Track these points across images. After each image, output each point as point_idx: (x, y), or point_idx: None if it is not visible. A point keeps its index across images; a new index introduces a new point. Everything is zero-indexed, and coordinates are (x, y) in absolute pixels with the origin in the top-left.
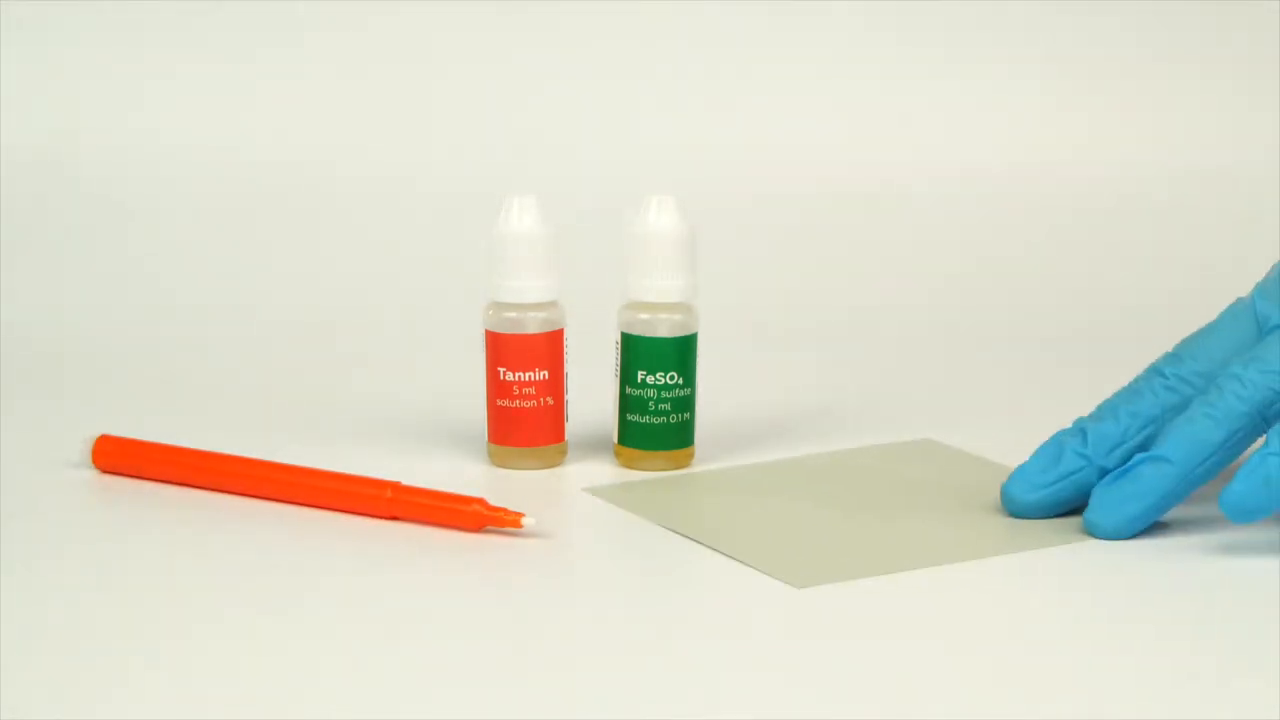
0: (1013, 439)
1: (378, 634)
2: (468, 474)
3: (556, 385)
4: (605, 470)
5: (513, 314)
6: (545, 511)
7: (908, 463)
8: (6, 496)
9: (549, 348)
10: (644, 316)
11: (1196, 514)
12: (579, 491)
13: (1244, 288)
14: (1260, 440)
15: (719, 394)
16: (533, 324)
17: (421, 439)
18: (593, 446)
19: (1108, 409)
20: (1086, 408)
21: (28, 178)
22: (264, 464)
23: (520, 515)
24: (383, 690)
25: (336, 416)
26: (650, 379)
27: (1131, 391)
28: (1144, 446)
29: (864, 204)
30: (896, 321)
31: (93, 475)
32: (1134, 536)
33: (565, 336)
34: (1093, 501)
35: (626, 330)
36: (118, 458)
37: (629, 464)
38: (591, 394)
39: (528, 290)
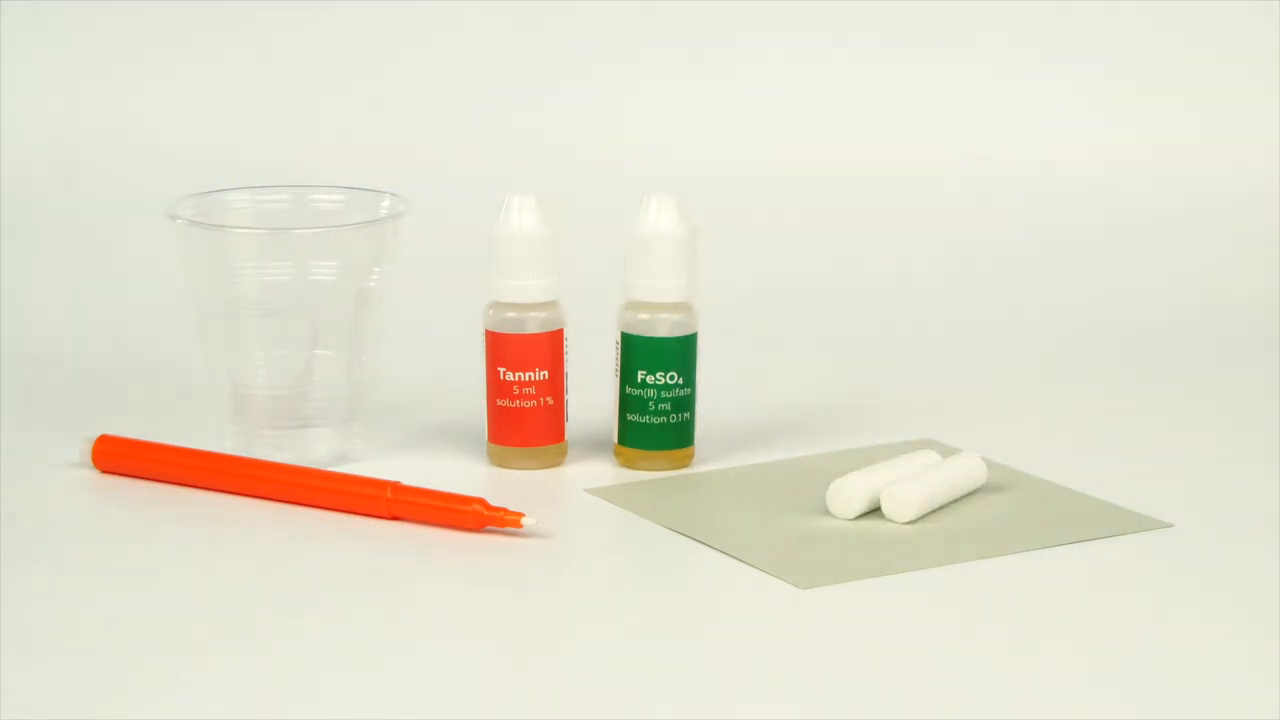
0: (1013, 439)
1: (378, 634)
2: (468, 474)
3: (556, 385)
4: (605, 470)
5: (513, 314)
6: (545, 511)
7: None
8: (6, 496)
9: (549, 348)
10: (644, 316)
11: (1195, 514)
12: (579, 491)
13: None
14: None
15: (719, 394)
16: (533, 324)
17: (421, 439)
18: (593, 446)
19: None
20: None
21: (28, 177)
22: (264, 464)
23: (520, 515)
24: (383, 690)
25: None
26: (650, 379)
27: None
28: None
29: (864, 203)
30: (896, 321)
31: (93, 475)
32: None
33: (565, 336)
34: None
35: (626, 330)
36: (118, 458)
37: (629, 464)
38: (591, 394)
39: (528, 290)
